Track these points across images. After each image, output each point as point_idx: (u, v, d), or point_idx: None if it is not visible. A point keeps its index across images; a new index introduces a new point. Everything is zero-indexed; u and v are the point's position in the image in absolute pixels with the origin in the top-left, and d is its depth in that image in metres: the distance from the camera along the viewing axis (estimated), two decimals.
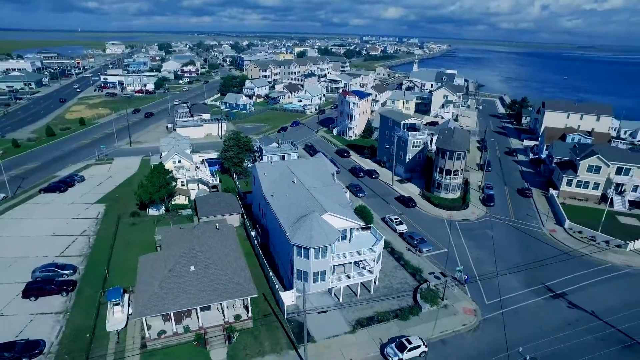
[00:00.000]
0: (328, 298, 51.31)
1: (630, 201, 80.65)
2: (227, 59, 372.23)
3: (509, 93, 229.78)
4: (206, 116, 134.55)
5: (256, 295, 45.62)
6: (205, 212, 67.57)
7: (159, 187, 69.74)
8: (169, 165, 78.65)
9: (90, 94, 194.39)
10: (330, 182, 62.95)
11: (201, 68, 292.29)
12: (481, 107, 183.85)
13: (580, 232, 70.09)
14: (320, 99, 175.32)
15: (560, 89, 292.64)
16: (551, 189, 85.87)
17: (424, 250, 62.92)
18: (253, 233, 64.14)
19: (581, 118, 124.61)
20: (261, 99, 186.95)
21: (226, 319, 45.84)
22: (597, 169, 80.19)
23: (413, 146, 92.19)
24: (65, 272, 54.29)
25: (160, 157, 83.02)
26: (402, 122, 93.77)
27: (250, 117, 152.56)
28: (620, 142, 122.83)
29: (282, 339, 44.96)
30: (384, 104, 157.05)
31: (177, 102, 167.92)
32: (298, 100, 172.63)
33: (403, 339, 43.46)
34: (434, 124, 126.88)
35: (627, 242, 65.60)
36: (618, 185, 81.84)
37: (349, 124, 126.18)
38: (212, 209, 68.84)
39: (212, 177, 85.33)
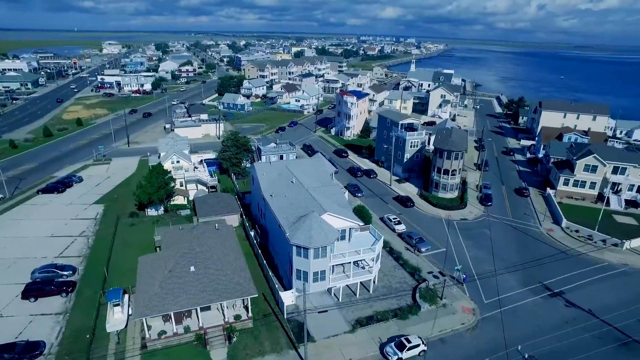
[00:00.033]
0: (327, 298, 51.54)
1: (626, 200, 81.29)
2: (225, 59, 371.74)
3: (506, 93, 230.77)
4: (204, 116, 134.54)
5: (256, 295, 45.78)
6: (204, 213, 67.64)
7: (158, 188, 69.75)
8: (167, 165, 78.63)
9: (88, 94, 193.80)
10: (329, 182, 63.18)
11: (198, 68, 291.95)
12: (478, 107, 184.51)
13: (577, 231, 70.61)
14: (318, 99, 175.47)
15: (557, 89, 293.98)
16: (548, 189, 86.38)
17: (423, 249, 63.23)
18: (252, 233, 64.28)
19: (578, 118, 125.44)
20: (259, 99, 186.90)
21: (226, 319, 45.99)
22: (594, 169, 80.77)
23: (411, 146, 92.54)
24: (65, 272, 54.27)
25: (159, 158, 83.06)
26: (400, 122, 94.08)
27: (248, 117, 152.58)
28: (616, 142, 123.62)
29: (282, 339, 45.15)
30: (381, 103, 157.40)
31: (175, 102, 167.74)
32: (296, 100, 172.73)
33: (402, 338, 43.76)
34: (432, 123, 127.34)
35: (624, 240, 66.16)
36: (614, 184, 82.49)
37: (346, 124, 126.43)
38: (211, 209, 68.92)
39: (211, 177, 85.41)
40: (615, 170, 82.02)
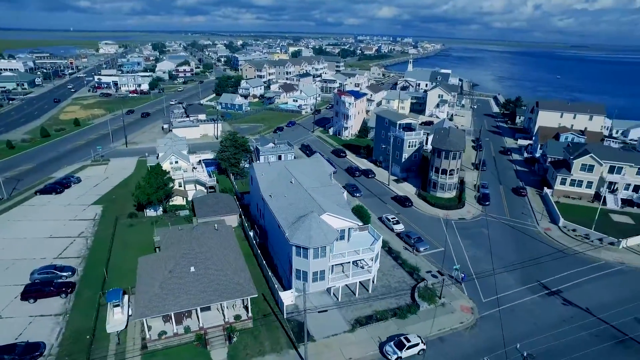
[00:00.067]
0: (327, 297, 51.76)
1: (622, 199, 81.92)
2: (222, 59, 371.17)
3: (503, 92, 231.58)
4: (202, 116, 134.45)
5: (256, 295, 45.96)
6: (203, 213, 67.70)
7: (157, 188, 69.77)
8: (166, 166, 78.58)
9: (85, 95, 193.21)
10: (327, 182, 63.41)
11: (196, 68, 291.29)
12: (475, 107, 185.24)
13: (574, 230, 71.13)
14: (316, 99, 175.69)
15: (554, 88, 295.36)
16: (545, 188, 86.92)
17: (421, 249, 63.54)
18: (251, 233, 64.41)
19: (574, 117, 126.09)
20: (256, 99, 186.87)
21: (226, 319, 46.14)
22: (590, 168, 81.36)
23: (409, 146, 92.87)
24: (64, 273, 54.27)
25: (157, 158, 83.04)
26: (398, 122, 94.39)
27: (246, 118, 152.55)
28: (613, 141, 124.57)
29: (282, 339, 45.35)
30: (379, 103, 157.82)
31: (173, 102, 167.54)
32: (293, 100, 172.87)
33: (402, 337, 44.05)
34: (429, 123, 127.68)
35: (620, 239, 66.72)
36: (611, 183, 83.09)
37: (344, 123, 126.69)
38: (209, 209, 68.99)
39: (210, 177, 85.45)
40: (611, 170, 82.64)
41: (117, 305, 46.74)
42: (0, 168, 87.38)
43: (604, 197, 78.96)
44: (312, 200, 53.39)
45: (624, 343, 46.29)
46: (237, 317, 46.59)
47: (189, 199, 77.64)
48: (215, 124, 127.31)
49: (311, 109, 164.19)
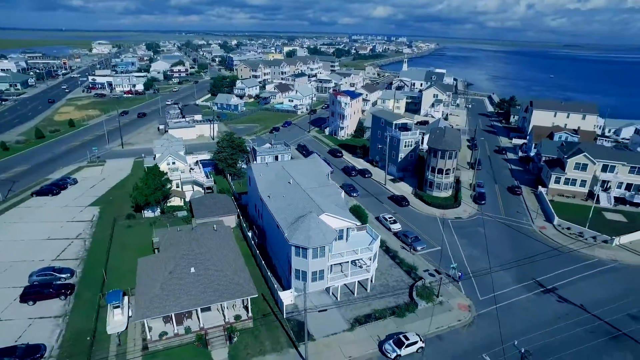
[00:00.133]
0: (326, 297, 52.21)
1: (615, 197, 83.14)
2: (216, 59, 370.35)
3: (497, 92, 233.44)
4: (198, 117, 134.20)
5: (256, 295, 46.27)
6: (201, 214, 67.79)
7: (155, 189, 69.78)
8: (163, 167, 78.64)
9: (79, 95, 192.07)
10: (325, 182, 63.87)
11: (190, 68, 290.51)
12: (470, 106, 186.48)
13: (568, 228, 72.14)
14: (311, 99, 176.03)
15: (547, 88, 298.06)
16: (540, 187, 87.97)
17: (418, 248, 64.17)
18: (250, 234, 64.67)
19: (568, 117, 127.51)
20: (252, 99, 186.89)
21: (226, 320, 46.43)
22: (584, 167, 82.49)
23: (405, 146, 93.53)
24: (63, 275, 54.26)
25: (154, 159, 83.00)
26: (394, 122, 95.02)
27: (241, 118, 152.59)
28: (605, 140, 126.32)
29: (282, 338, 45.71)
30: (374, 103, 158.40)
31: (169, 103, 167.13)
32: (289, 100, 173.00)
33: (401, 336, 44.59)
34: (425, 123, 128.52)
35: (613, 237, 67.81)
36: (604, 182, 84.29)
37: (340, 123, 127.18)
38: (207, 210, 69.13)
39: (207, 178, 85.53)
40: (604, 168, 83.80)
41: (117, 307, 46.86)
42: None
43: (597, 195, 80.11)
44: (311, 200, 53.79)
45: (617, 339, 47.20)
46: (238, 317, 46.90)
47: (187, 199, 77.72)
48: (212, 125, 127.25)
49: (307, 109, 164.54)
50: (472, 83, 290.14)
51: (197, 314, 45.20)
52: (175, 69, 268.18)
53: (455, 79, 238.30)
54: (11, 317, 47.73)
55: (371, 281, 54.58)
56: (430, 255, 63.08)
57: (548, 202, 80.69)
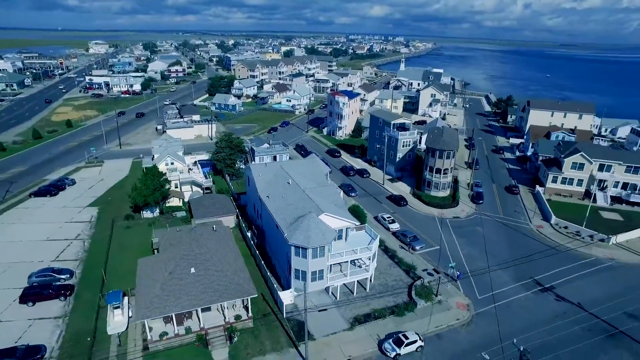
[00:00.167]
0: (325, 296, 52.43)
1: (611, 197, 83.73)
2: (214, 59, 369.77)
3: (494, 91, 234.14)
4: (196, 117, 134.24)
5: (256, 295, 46.47)
6: (200, 214, 67.88)
7: (154, 190, 69.78)
8: (161, 167, 78.58)
9: (76, 95, 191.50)
10: (324, 182, 64.08)
11: (188, 68, 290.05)
12: (468, 106, 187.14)
13: (565, 227, 72.62)
14: (309, 99, 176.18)
15: (544, 87, 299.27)
16: (537, 186, 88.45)
17: (417, 247, 64.47)
18: (249, 234, 64.81)
19: (564, 116, 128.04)
20: (250, 99, 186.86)
21: (227, 320, 46.59)
22: (581, 166, 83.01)
23: (403, 145, 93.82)
24: (62, 276, 54.25)
25: (153, 160, 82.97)
26: (392, 122, 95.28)
27: (239, 118, 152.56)
28: (602, 140, 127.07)
29: (282, 338, 45.90)
30: (372, 103, 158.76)
31: (167, 103, 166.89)
32: (287, 100, 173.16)
33: (400, 335, 44.85)
34: (422, 122, 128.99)
35: (610, 236, 68.35)
36: (600, 181, 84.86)
37: (338, 123, 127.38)
38: (206, 210, 69.20)
39: (206, 178, 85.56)
40: (601, 168, 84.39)
41: (118, 307, 46.92)
42: None
43: (594, 194, 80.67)
44: (310, 200, 53.99)
45: (614, 337, 47.63)
46: (238, 317, 47.07)
47: (186, 200, 77.76)
48: (210, 125, 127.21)
49: (305, 109, 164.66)
50: (470, 82, 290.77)
51: (197, 314, 45.34)
52: (173, 69, 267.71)
53: (452, 79, 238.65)
54: (11, 318, 47.72)
55: (370, 281, 54.84)
56: (428, 255, 63.40)
57: (545, 201, 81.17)
